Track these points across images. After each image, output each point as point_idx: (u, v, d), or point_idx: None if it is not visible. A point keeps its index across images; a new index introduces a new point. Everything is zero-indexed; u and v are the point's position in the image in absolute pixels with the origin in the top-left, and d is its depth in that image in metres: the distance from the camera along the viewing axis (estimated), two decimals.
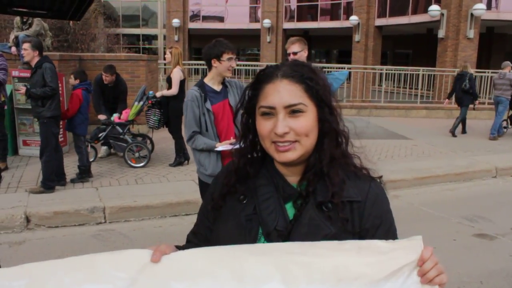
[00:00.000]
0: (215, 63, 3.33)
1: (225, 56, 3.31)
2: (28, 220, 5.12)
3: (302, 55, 4.32)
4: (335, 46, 33.77)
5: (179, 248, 1.25)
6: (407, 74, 15.73)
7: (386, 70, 16.55)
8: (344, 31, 27.38)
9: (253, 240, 1.22)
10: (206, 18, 32.32)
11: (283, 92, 1.19)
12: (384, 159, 8.24)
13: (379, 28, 25.44)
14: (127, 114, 7.33)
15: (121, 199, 5.61)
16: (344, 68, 16.17)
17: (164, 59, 7.52)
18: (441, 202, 6.26)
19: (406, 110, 14.21)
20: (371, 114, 13.91)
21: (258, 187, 1.27)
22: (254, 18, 31.67)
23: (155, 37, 38.52)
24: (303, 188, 1.24)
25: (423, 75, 15.63)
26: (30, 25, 8.23)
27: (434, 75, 16.49)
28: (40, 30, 8.04)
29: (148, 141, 7.84)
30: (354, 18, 25.27)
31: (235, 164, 1.33)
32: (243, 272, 1.10)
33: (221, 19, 32.13)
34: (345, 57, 28.70)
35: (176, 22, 30.45)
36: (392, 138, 10.24)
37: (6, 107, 7.16)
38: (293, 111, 1.19)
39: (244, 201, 1.28)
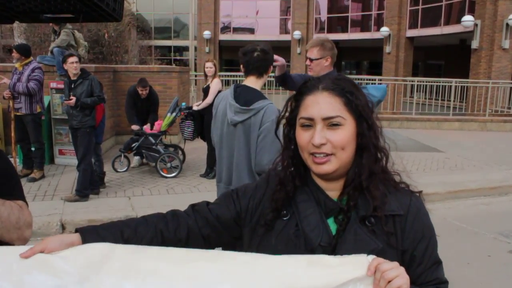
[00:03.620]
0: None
1: None
2: (63, 227, 5.27)
3: (321, 63, 3.57)
4: (365, 57, 33.58)
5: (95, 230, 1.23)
6: (439, 85, 15.49)
7: (418, 81, 16.34)
8: (375, 42, 27.21)
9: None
10: (236, 30, 32.65)
11: (322, 104, 1.22)
12: (416, 172, 8.12)
13: (411, 39, 25.17)
14: (160, 125, 7.47)
15: (153, 209, 5.68)
16: (375, 80, 16.06)
17: (204, 71, 7.59)
18: (475, 217, 6.12)
19: (438, 122, 13.97)
20: (402, 126, 13.73)
21: (299, 203, 1.27)
22: (284, 29, 31.83)
23: (186, 48, 39.08)
24: (344, 203, 1.24)
25: (455, 86, 15.36)
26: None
27: (467, 86, 16.19)
28: (70, 40, 8.22)
29: (180, 152, 7.96)
30: (385, 30, 25.10)
31: (281, 176, 1.32)
32: (193, 274, 1.10)
33: (251, 30, 32.40)
34: (375, 69, 28.52)
35: (207, 34, 30.86)
36: (423, 151, 10.08)
37: (43, 118, 7.42)
38: (331, 123, 1.20)
39: (285, 218, 1.28)
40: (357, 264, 1.12)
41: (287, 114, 1.32)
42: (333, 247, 1.21)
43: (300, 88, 1.29)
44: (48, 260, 1.08)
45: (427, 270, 1.24)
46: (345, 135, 1.21)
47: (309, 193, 1.28)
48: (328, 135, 1.20)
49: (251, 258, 1.15)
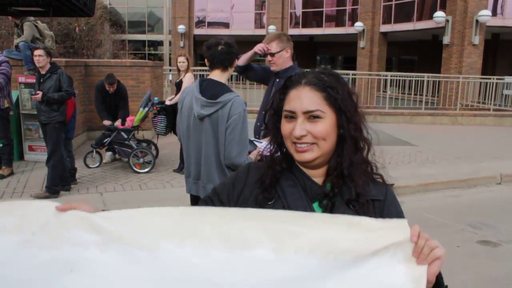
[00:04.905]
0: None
1: None
2: None
3: (283, 56, 3.59)
4: (340, 52, 33.82)
5: None
6: (412, 80, 15.73)
7: (391, 76, 16.57)
8: (349, 37, 27.43)
9: None
10: (211, 24, 32.46)
11: (303, 99, 1.30)
12: (388, 165, 8.10)
13: (384, 34, 25.46)
14: (132, 120, 7.38)
15: (125, 205, 5.64)
16: (349, 75, 16.18)
17: (177, 65, 7.52)
18: (445, 209, 6.25)
19: (411, 116, 14.19)
20: (376, 120, 13.90)
21: (285, 188, 1.34)
22: (259, 24, 31.78)
23: (160, 43, 38.68)
24: (329, 189, 1.32)
25: (428, 81, 15.62)
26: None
27: (439, 81, 16.48)
28: (34, 33, 8.03)
29: (153, 147, 7.88)
30: (359, 25, 25.31)
31: (268, 161, 1.40)
32: (232, 235, 1.10)
33: (226, 25, 32.26)
34: (350, 64, 28.75)
35: (181, 28, 30.58)
36: (396, 145, 10.22)
37: (12, 113, 7.24)
38: (311, 116, 1.29)
39: (270, 202, 1.33)
40: (397, 229, 1.13)
41: (274, 105, 1.39)
42: None
43: (285, 82, 1.38)
44: (86, 217, 1.09)
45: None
46: (324, 127, 1.29)
47: (295, 179, 1.35)
48: (308, 127, 1.28)
49: (290, 216, 1.14)
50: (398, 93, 16.39)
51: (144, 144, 7.78)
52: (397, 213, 1.35)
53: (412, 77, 15.92)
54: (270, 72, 3.70)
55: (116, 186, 6.49)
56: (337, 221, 1.14)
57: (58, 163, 5.94)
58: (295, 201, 1.30)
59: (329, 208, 1.29)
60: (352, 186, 1.30)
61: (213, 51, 2.92)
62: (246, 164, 1.49)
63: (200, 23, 32.41)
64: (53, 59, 6.38)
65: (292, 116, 1.30)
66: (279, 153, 1.39)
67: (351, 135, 1.31)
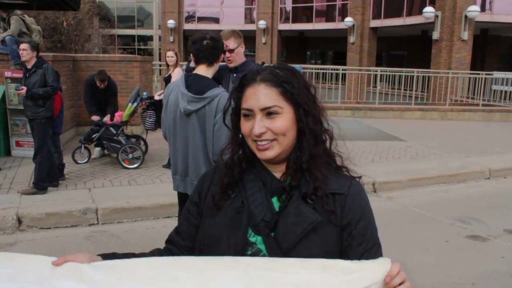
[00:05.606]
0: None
1: None
2: (20, 221, 5.09)
3: (240, 51, 3.65)
4: (330, 47, 33.84)
5: (112, 255, 1.32)
6: (402, 75, 15.77)
7: (381, 71, 16.61)
8: (339, 32, 27.44)
9: (244, 231, 1.28)
10: (201, 19, 32.30)
11: (260, 96, 1.28)
12: (378, 160, 8.25)
13: (374, 29, 25.51)
14: (121, 116, 7.31)
15: (114, 201, 5.59)
16: (339, 70, 16.20)
17: (166, 60, 7.49)
18: (434, 204, 6.27)
19: (401, 111, 14.25)
20: (366, 115, 13.94)
21: (245, 182, 1.35)
22: (249, 19, 31.69)
23: (150, 38, 38.48)
24: (287, 183, 1.31)
25: (417, 76, 15.68)
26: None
27: (428, 76, 16.55)
28: (21, 28, 7.92)
29: (142, 143, 7.82)
30: (349, 20, 25.33)
31: (229, 161, 1.40)
32: (210, 283, 1.13)
33: (216, 20, 32.11)
34: (340, 59, 28.79)
35: (171, 23, 30.42)
36: (386, 140, 10.26)
37: None
38: (269, 112, 1.28)
39: (232, 196, 1.35)
40: (376, 270, 1.13)
41: (232, 105, 1.39)
42: (275, 222, 1.27)
43: (241, 80, 1.36)
44: (77, 268, 1.17)
45: (368, 250, 1.29)
46: (283, 122, 1.28)
47: (256, 173, 1.36)
48: (267, 124, 1.28)
49: (266, 262, 1.15)
50: (388, 88, 16.43)
51: (133, 140, 7.72)
52: (361, 207, 1.32)
53: (402, 72, 15.97)
54: (221, 70, 3.63)
55: (105, 182, 6.43)
56: (312, 265, 1.14)
57: (45, 159, 5.86)
58: (253, 195, 1.31)
59: (287, 201, 1.29)
60: (310, 179, 1.29)
61: (198, 45, 2.90)
62: (214, 164, 1.51)
63: (190, 18, 32.24)
64: (40, 54, 6.29)
65: (250, 115, 1.30)
66: (239, 153, 1.39)
67: (310, 128, 1.30)
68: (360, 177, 1.39)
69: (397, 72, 16.10)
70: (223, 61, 3.82)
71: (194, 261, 1.20)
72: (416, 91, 15.38)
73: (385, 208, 5.95)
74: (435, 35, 20.14)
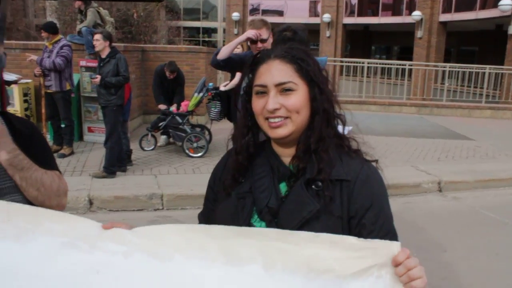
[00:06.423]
0: None
1: None
2: (91, 202, 5.37)
3: (270, 42, 3.60)
4: (396, 42, 32.88)
5: None
6: (472, 72, 15.06)
7: (450, 67, 15.94)
8: (406, 27, 26.60)
9: (247, 216, 1.28)
10: (265, 12, 32.33)
11: (274, 71, 1.26)
12: (445, 159, 7.96)
13: (443, 24, 24.52)
14: (187, 105, 7.50)
15: (178, 188, 5.76)
16: (405, 65, 15.74)
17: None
18: (504, 207, 5.97)
19: (470, 109, 13.61)
20: (432, 112, 13.46)
21: (254, 166, 1.34)
22: (314, 12, 31.37)
23: (215, 30, 39.04)
24: (295, 167, 1.29)
25: (489, 73, 14.92)
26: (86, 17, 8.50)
27: (502, 73, 15.71)
28: (96, 19, 8.28)
29: (206, 132, 7.99)
30: (417, 14, 24.45)
31: (238, 146, 1.38)
32: (230, 250, 1.19)
33: (280, 13, 32.05)
34: (406, 54, 27.90)
35: (235, 15, 30.70)
36: (453, 138, 9.86)
37: (73, 95, 7.53)
38: (284, 89, 1.25)
39: (242, 181, 1.34)
40: (382, 250, 1.11)
41: (244, 84, 1.37)
42: (278, 208, 1.25)
43: (254, 58, 1.34)
44: (120, 233, 1.27)
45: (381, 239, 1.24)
46: (297, 99, 1.25)
47: (265, 158, 1.34)
48: (281, 100, 1.25)
49: (279, 234, 1.17)
50: (457, 85, 15.76)
51: (198, 129, 7.89)
52: (372, 193, 1.25)
53: (473, 68, 15.25)
54: (245, 58, 3.57)
55: (170, 169, 6.63)
56: (321, 240, 1.15)
57: (116, 145, 6.14)
58: (260, 180, 1.30)
59: (290, 188, 1.27)
60: (316, 161, 1.24)
61: (278, 36, 2.91)
62: (230, 148, 1.48)
63: (254, 10, 32.36)
64: (113, 44, 6.57)
65: (263, 91, 1.26)
66: (247, 137, 1.36)
67: (324, 108, 1.27)
68: (376, 161, 1.34)
69: (467, 68, 15.39)
70: (248, 49, 3.77)
71: (220, 230, 1.23)
72: (487, 88, 14.65)
73: (450, 209, 5.74)
74: (511, 29, 19.05)
